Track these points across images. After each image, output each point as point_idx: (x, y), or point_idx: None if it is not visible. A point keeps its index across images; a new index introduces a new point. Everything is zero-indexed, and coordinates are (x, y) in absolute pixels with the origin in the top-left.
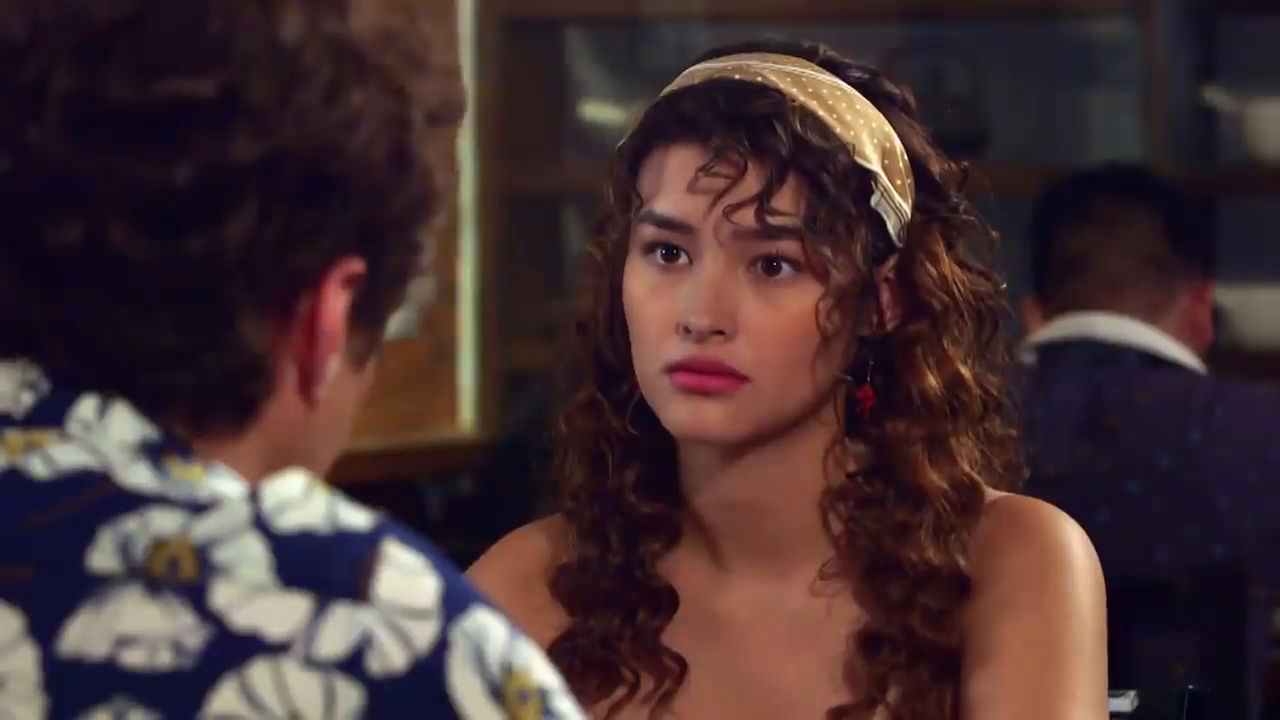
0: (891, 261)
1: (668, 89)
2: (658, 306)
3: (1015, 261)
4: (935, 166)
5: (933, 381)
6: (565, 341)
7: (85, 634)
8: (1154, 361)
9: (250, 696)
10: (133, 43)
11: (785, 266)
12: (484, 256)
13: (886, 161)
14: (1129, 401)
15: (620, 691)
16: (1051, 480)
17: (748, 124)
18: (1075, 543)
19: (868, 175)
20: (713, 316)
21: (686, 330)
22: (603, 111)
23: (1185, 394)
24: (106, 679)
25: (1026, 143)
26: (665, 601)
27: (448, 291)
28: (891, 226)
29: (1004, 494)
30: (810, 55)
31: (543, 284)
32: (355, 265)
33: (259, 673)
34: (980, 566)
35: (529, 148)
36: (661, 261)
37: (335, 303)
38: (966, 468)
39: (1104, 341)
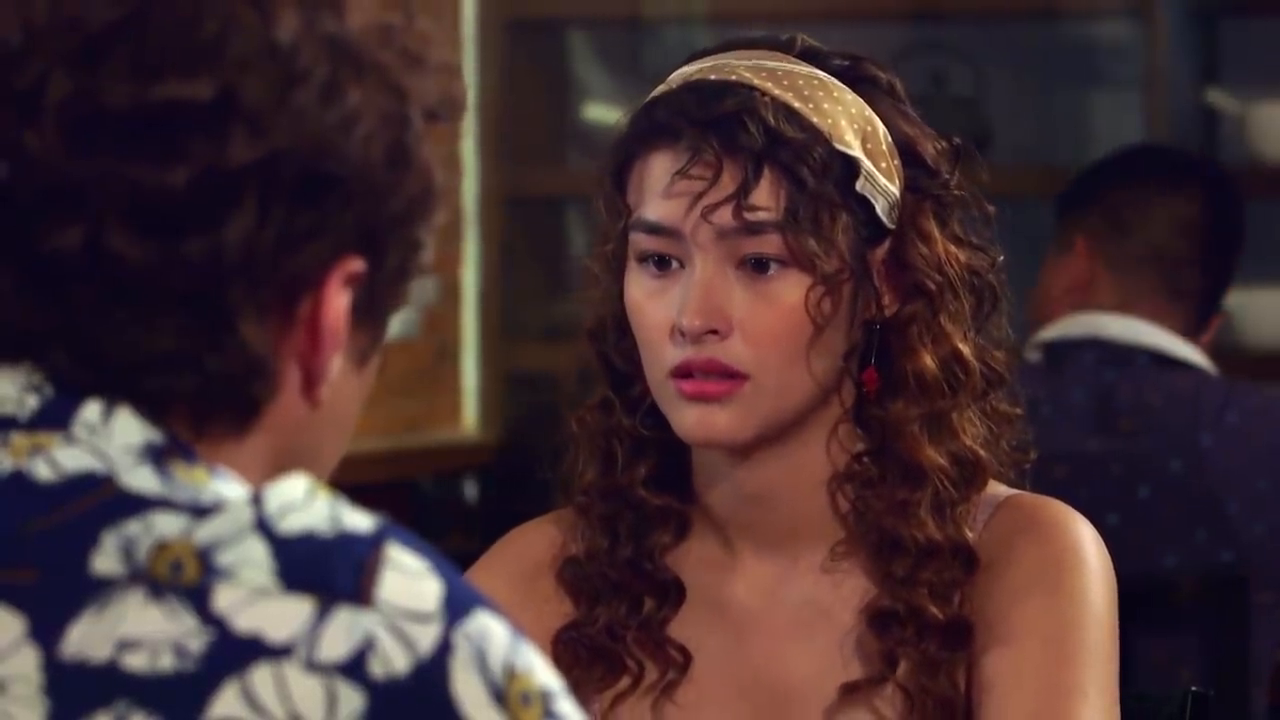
0: (885, 244)
1: (649, 96)
2: (655, 312)
3: (1016, 262)
4: (924, 146)
5: (929, 361)
6: (579, 349)
7: (87, 637)
8: (1164, 362)
9: (252, 700)
10: (128, 47)
11: (772, 265)
12: (486, 258)
13: (869, 145)
14: (1140, 403)
15: (624, 682)
16: (1060, 483)
17: (717, 124)
18: (1088, 542)
19: (850, 161)
20: (704, 317)
21: (681, 333)
22: (605, 113)
23: (1196, 396)
24: (108, 682)
25: (1029, 144)
26: (672, 592)
27: (450, 293)
28: (880, 209)
29: (1017, 491)
30: (788, 47)
31: (545, 285)
32: (356, 264)
33: (261, 676)
34: (993, 563)
35: (532, 149)
36: (655, 270)
37: (336, 302)
38: (969, 442)
39: (1113, 341)
